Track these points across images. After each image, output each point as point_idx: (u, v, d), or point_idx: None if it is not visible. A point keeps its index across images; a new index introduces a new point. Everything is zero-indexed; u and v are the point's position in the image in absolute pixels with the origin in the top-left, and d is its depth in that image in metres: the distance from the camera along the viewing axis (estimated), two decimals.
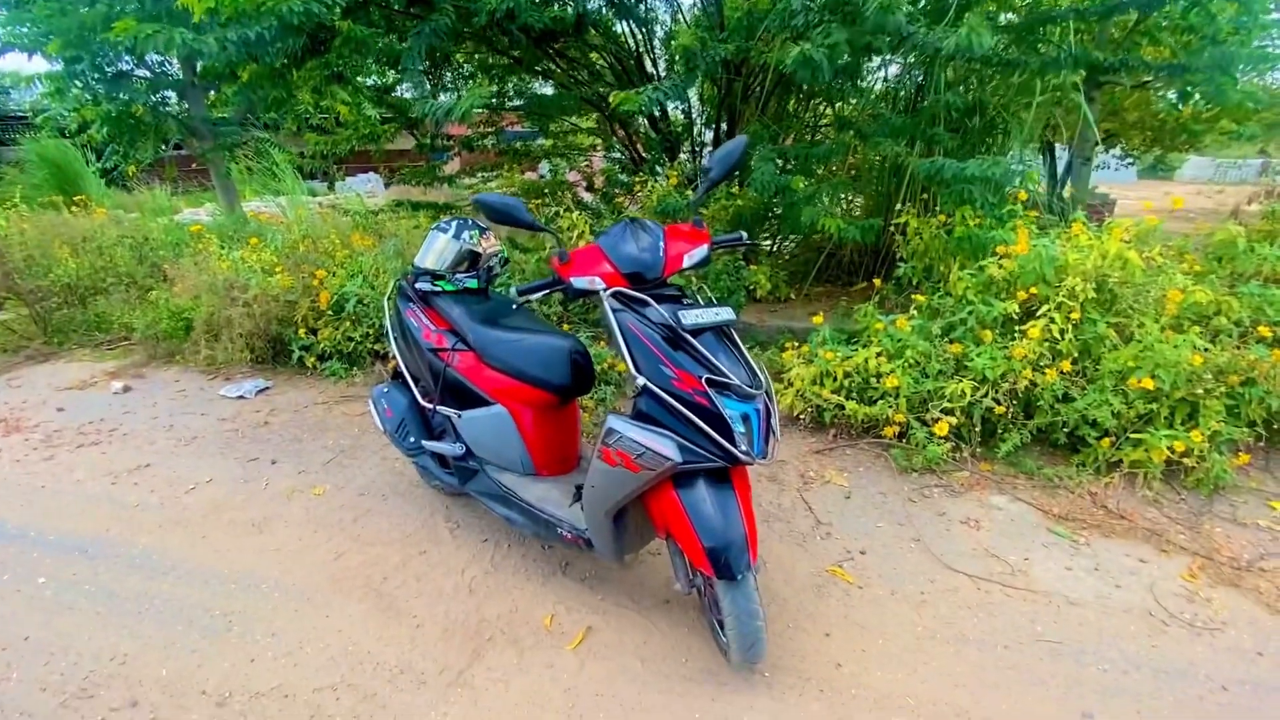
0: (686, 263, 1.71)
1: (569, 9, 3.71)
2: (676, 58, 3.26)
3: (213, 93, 6.68)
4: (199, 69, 6.12)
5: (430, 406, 2.20)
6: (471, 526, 2.38)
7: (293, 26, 2.83)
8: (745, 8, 3.65)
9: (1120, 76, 4.31)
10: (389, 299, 2.47)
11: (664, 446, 1.54)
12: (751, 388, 1.57)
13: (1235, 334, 2.52)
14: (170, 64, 6.60)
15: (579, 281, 1.68)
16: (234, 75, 5.96)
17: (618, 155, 5.22)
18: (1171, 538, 2.20)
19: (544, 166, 6.25)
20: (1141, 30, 4.31)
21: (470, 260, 2.26)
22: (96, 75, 6.13)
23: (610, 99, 2.82)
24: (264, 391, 3.59)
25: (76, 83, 6.17)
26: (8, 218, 5.46)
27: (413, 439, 2.29)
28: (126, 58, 6.20)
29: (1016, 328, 2.58)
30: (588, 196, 5.43)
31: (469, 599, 2.02)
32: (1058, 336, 2.49)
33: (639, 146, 4.99)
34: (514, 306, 2.22)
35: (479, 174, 6.30)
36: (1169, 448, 2.32)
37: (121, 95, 6.22)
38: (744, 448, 1.52)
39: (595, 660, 1.78)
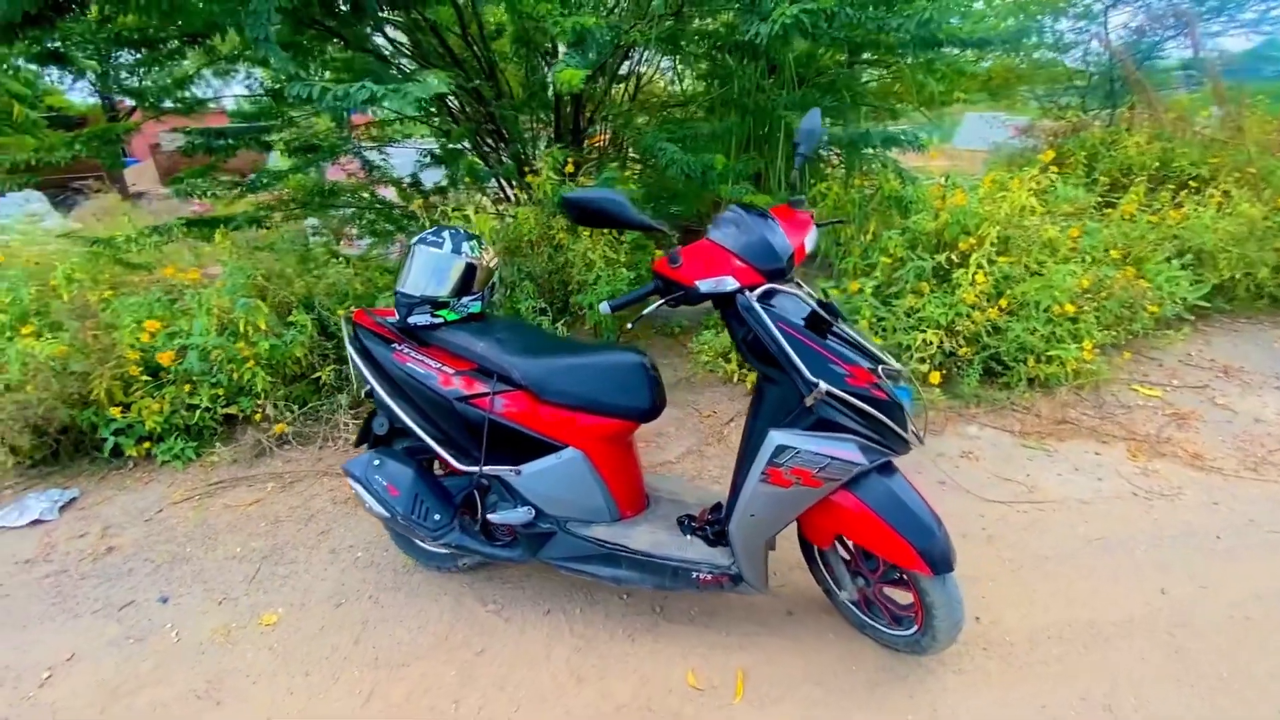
0: (808, 248, 1.56)
1: None
2: (563, 33, 2.94)
3: None
4: None
5: (472, 470, 1.71)
6: (516, 601, 1.94)
7: None
8: None
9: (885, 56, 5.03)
10: (350, 343, 1.85)
11: (849, 452, 1.40)
12: (902, 369, 1.51)
13: (1087, 261, 3.15)
14: None
15: (705, 284, 1.43)
16: None
17: (462, 145, 4.60)
18: (1103, 429, 2.70)
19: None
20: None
21: (467, 279, 1.79)
22: None
23: (556, 77, 2.44)
24: (70, 505, 2.50)
25: None
26: None
27: (437, 517, 1.77)
28: None
29: (951, 277, 2.89)
30: (388, 192, 4.70)
31: (583, 689, 1.65)
32: (980, 280, 2.86)
33: (489, 135, 4.47)
34: (514, 323, 1.82)
35: (254, 177, 5.06)
36: (1075, 358, 2.82)
37: None
38: (912, 431, 1.47)
39: (774, 704, 1.59)
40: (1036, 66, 7.40)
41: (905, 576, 1.54)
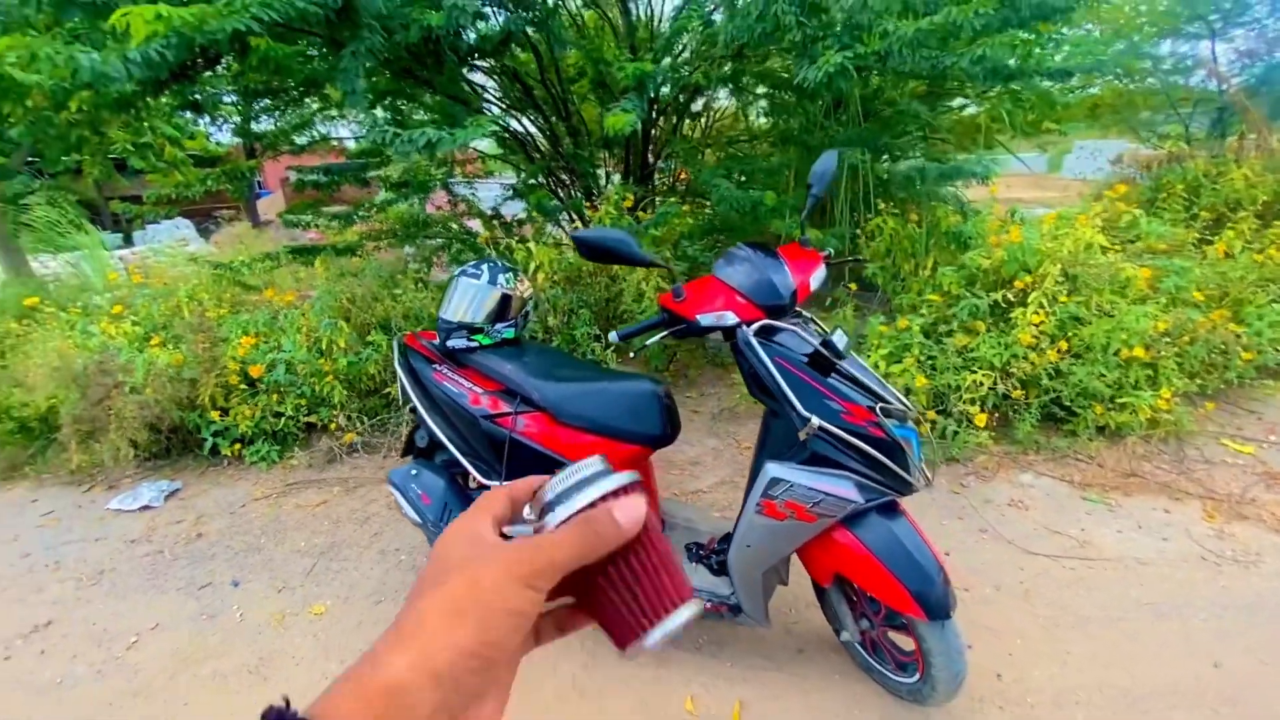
0: (814, 286, 1.60)
1: (495, 26, 3.43)
2: (625, 79, 3.12)
3: None
4: None
5: (491, 484, 1.85)
6: None
7: (192, 44, 2.29)
8: (675, 29, 3.62)
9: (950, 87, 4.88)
10: (399, 363, 2.06)
11: (843, 489, 1.41)
12: (909, 409, 1.50)
13: (1163, 301, 2.93)
14: None
15: (706, 318, 1.50)
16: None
17: (534, 181, 4.93)
18: (1178, 485, 2.48)
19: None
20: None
21: (504, 307, 1.96)
22: None
23: (607, 123, 2.61)
24: (174, 495, 2.86)
25: None
26: None
27: None
28: None
29: (1008, 316, 2.78)
30: (474, 224, 5.06)
31: (584, 703, 1.72)
32: (1042, 320, 2.73)
33: (560, 170, 4.76)
34: (626, 357, 1.94)
35: (358, 211, 5.61)
36: (1150, 406, 2.62)
37: None
38: (916, 474, 1.45)
39: None
40: (1150, 93, 6.90)
41: (906, 621, 1.51)
